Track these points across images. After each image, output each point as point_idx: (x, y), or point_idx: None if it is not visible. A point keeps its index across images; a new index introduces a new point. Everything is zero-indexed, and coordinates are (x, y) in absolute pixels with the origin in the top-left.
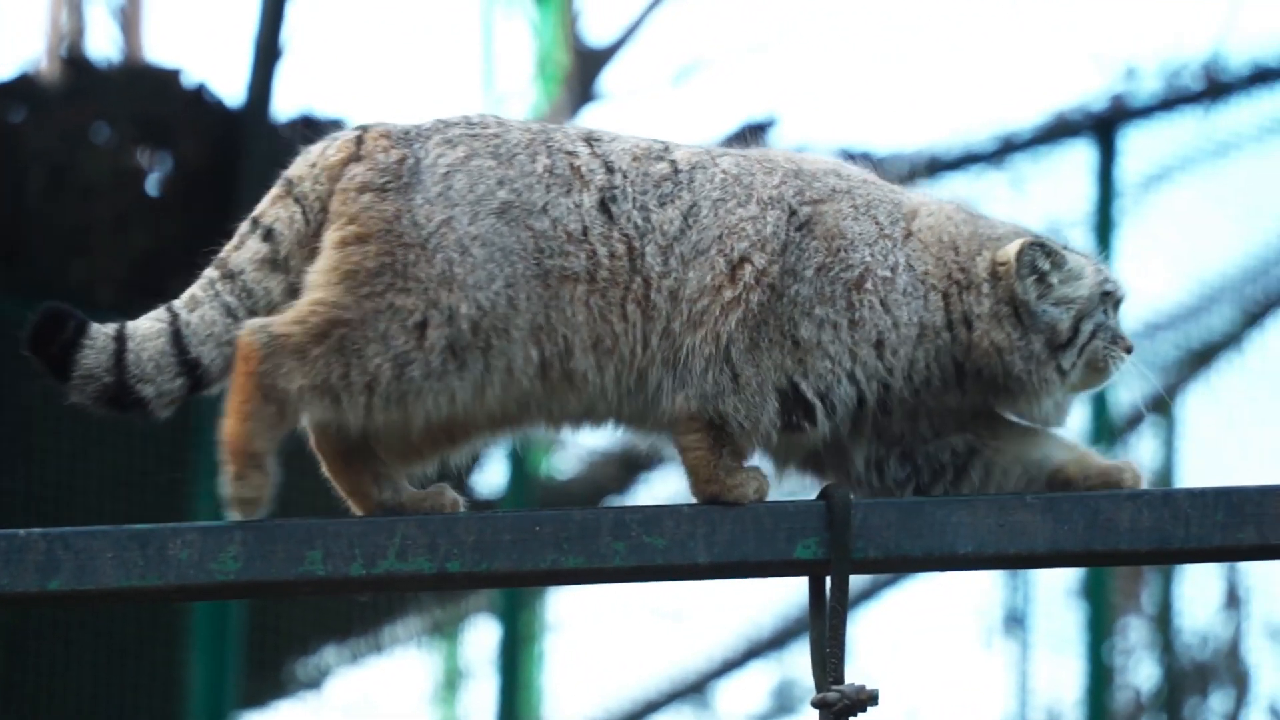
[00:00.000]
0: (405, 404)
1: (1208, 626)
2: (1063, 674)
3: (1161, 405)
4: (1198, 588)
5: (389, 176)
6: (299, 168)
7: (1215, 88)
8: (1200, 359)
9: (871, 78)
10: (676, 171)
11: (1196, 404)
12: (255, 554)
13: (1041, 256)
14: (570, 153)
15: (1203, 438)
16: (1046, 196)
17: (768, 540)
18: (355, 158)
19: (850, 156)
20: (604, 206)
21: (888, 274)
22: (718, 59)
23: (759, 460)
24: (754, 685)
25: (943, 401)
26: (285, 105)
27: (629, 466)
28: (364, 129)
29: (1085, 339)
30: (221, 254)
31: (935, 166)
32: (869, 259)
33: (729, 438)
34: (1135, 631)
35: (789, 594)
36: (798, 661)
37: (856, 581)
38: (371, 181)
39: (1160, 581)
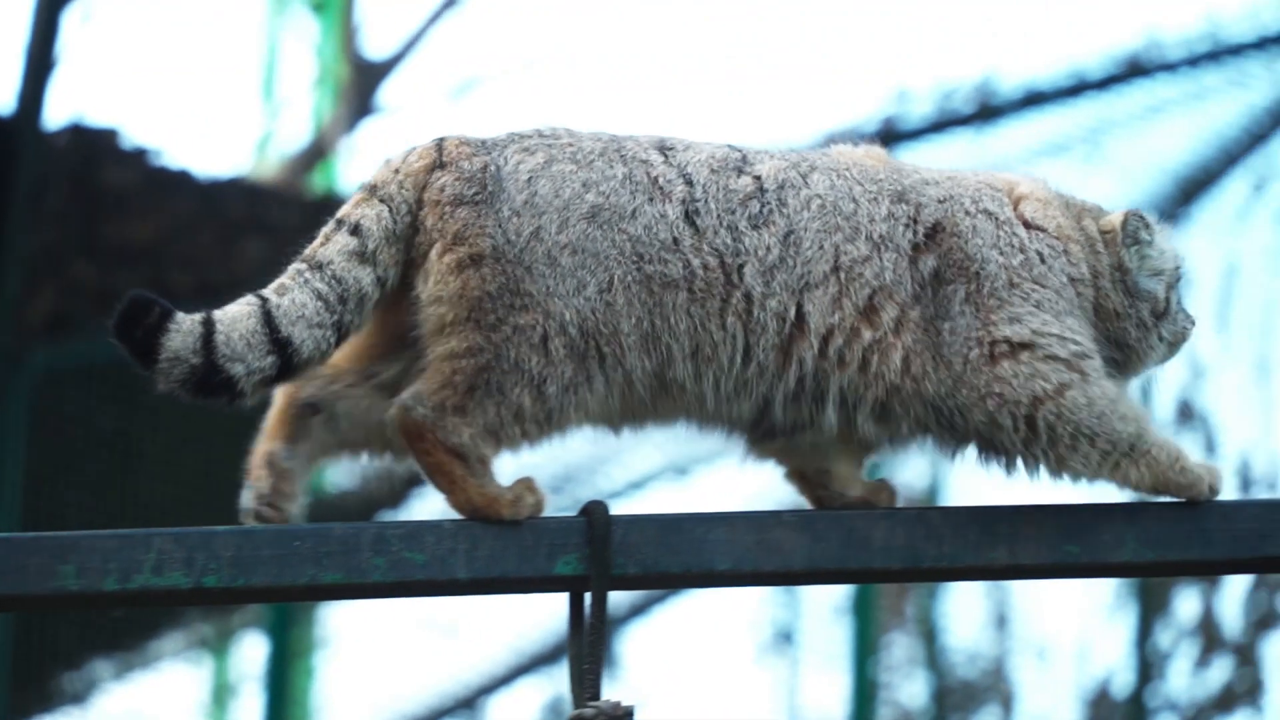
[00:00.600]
0: (553, 422)
1: (975, 644)
2: (830, 690)
3: None
4: (965, 605)
5: (476, 186)
6: (381, 175)
7: (986, 111)
8: None
9: (647, 95)
10: (763, 190)
11: None
12: (7, 568)
13: (1143, 227)
14: (645, 161)
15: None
16: None
17: (528, 556)
18: (439, 164)
19: None
20: (689, 219)
21: (1021, 257)
22: (495, 74)
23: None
24: (526, 701)
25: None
26: (57, 115)
27: (403, 481)
28: (441, 138)
29: (1175, 309)
30: (305, 252)
31: None
32: (1000, 258)
33: (1122, 440)
34: (902, 648)
35: (561, 610)
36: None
37: (629, 598)
38: (462, 194)
39: (927, 599)
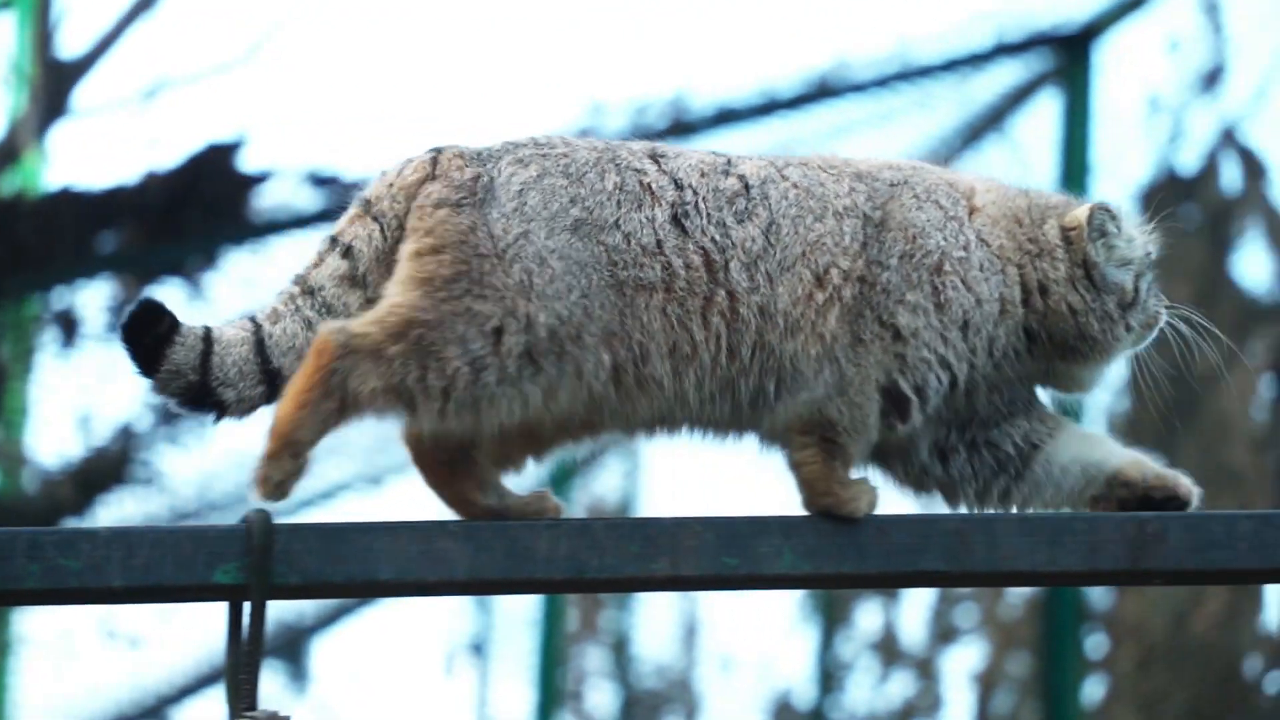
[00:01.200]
0: (478, 409)
1: (663, 655)
2: (518, 700)
3: None
4: (655, 617)
5: (464, 193)
6: (376, 188)
7: (679, 126)
8: None
9: (342, 102)
10: (748, 188)
11: None
12: None
13: (1108, 219)
14: (638, 170)
15: (666, 469)
16: None
17: (186, 565)
18: (431, 177)
19: (319, 180)
20: (676, 221)
21: (962, 254)
22: (189, 76)
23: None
24: (211, 711)
25: (1014, 371)
26: None
27: (86, 487)
28: (439, 150)
29: (1144, 297)
30: (301, 271)
31: None
32: (942, 243)
33: (839, 448)
34: (591, 659)
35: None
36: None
37: (318, 607)
38: (447, 198)
39: (618, 611)
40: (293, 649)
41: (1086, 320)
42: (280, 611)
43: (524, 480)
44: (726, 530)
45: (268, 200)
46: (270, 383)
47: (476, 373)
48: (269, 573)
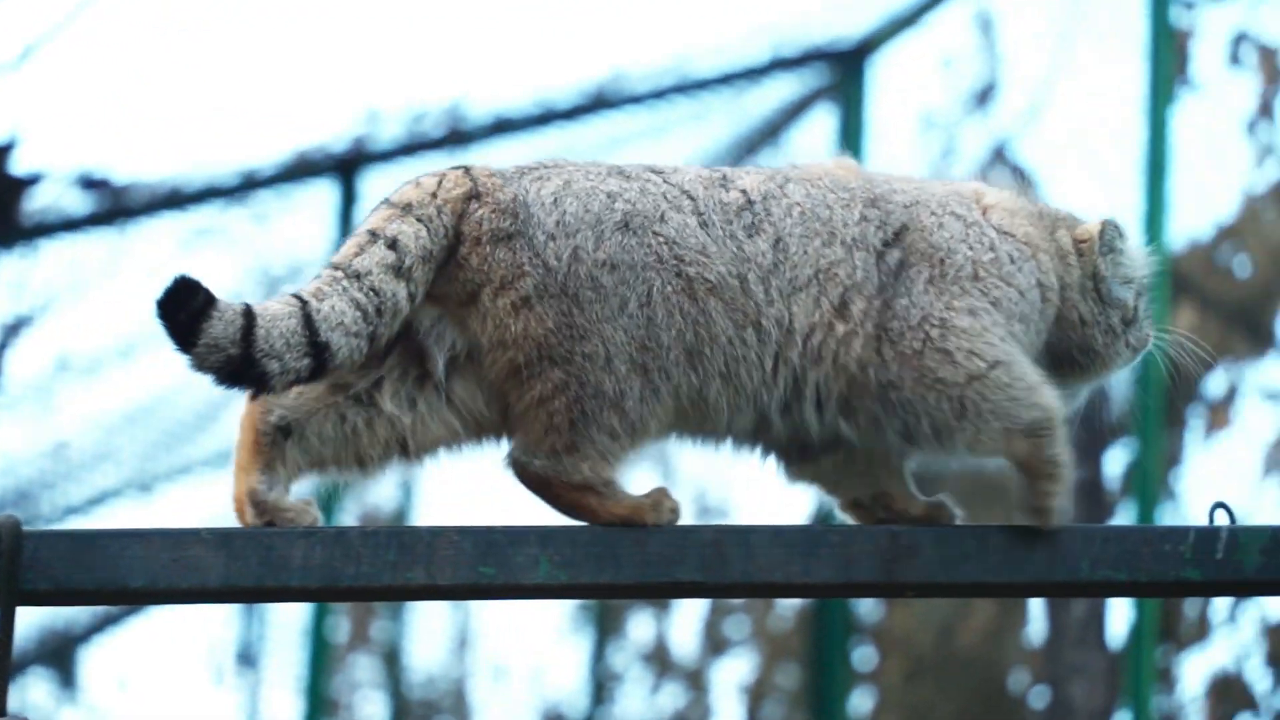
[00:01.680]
0: (637, 434)
1: (435, 665)
2: (289, 709)
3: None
4: (427, 627)
5: (510, 218)
6: (415, 195)
7: (456, 135)
8: None
9: (116, 103)
10: (750, 202)
11: None
12: None
13: (1117, 236)
14: (648, 179)
15: (444, 477)
16: (289, 234)
17: None
18: (475, 194)
19: (90, 183)
20: (705, 229)
21: (990, 254)
22: (51, 36)
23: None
24: None
25: None
26: None
27: None
28: (466, 167)
29: (1141, 317)
30: (336, 259)
31: (177, 198)
32: (970, 252)
33: (1050, 422)
34: (363, 669)
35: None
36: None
37: (89, 614)
38: (499, 228)
39: (390, 620)
40: (62, 656)
41: (1092, 333)
42: (50, 618)
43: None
44: (483, 539)
45: (38, 203)
46: (316, 355)
47: (619, 407)
48: (17, 579)
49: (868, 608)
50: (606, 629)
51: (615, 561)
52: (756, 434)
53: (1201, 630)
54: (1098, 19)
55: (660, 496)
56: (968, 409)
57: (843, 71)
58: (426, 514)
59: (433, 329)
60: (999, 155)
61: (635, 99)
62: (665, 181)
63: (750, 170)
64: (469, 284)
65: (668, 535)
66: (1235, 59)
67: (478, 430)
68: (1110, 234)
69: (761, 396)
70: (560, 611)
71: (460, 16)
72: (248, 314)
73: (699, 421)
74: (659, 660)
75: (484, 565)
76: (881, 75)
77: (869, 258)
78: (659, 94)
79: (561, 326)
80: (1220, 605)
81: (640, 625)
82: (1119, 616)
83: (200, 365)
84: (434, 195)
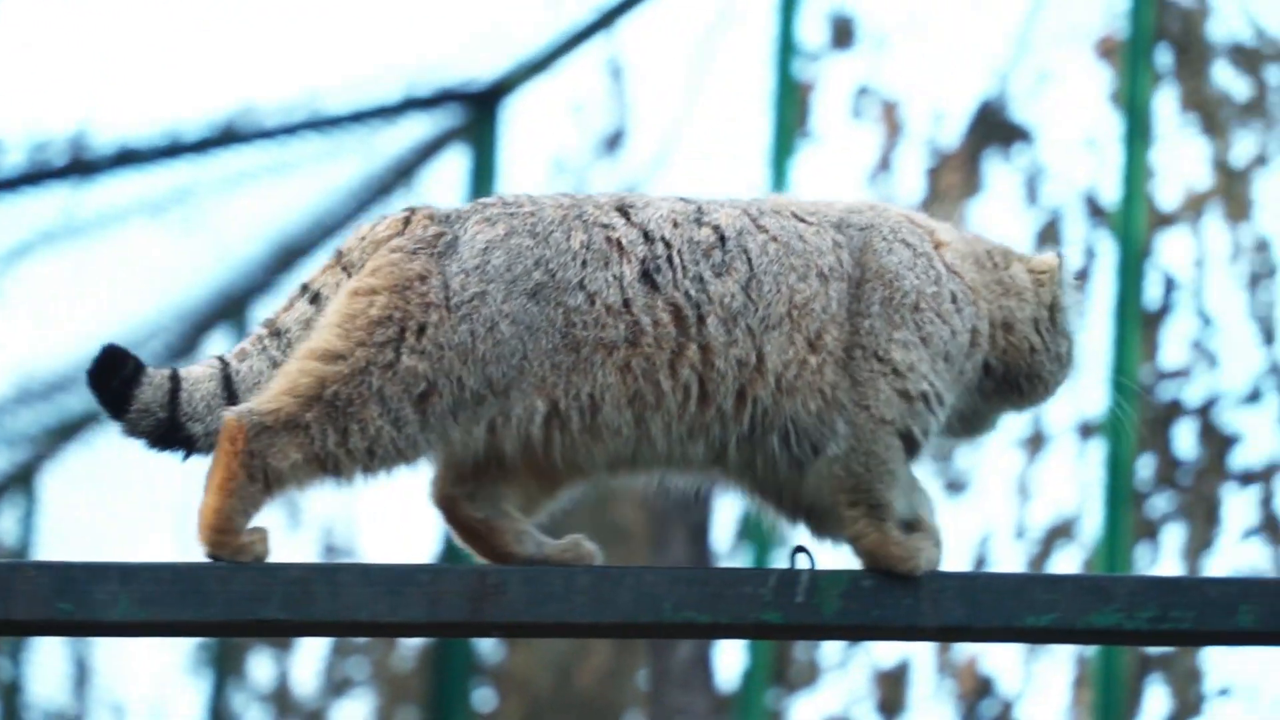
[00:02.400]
0: (404, 458)
1: (55, 701)
2: None
3: (23, 478)
4: (46, 663)
5: (423, 244)
6: (350, 242)
7: (80, 165)
8: (64, 432)
9: None
10: (723, 239)
11: (58, 478)
12: None
13: (1069, 268)
14: (606, 225)
15: (64, 512)
16: None
17: None
18: (400, 233)
19: None
20: (647, 276)
21: (935, 289)
22: None
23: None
24: None
25: (962, 406)
26: None
27: None
28: (412, 209)
29: (1075, 348)
30: (271, 315)
31: None
32: (916, 282)
33: (883, 508)
34: None
35: None
36: None
37: None
38: (404, 246)
39: (7, 656)
40: None
41: (1041, 360)
42: None
43: None
44: (62, 575)
45: None
46: None
47: (399, 428)
48: None
49: (489, 648)
50: (226, 668)
51: (199, 599)
52: (717, 461)
53: (812, 674)
54: (724, 69)
55: (256, 539)
56: (861, 441)
57: (476, 113)
58: (55, 546)
59: None
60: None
61: (265, 133)
62: (629, 223)
63: (725, 204)
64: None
65: (254, 572)
66: (857, 112)
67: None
68: (1067, 265)
69: (714, 428)
70: (179, 649)
71: (85, 40)
72: (174, 377)
73: (624, 449)
74: (279, 701)
75: (61, 601)
76: (514, 118)
77: (844, 286)
78: (290, 129)
79: (391, 323)
80: (831, 650)
81: (261, 664)
82: (730, 659)
83: (133, 430)
84: (363, 239)
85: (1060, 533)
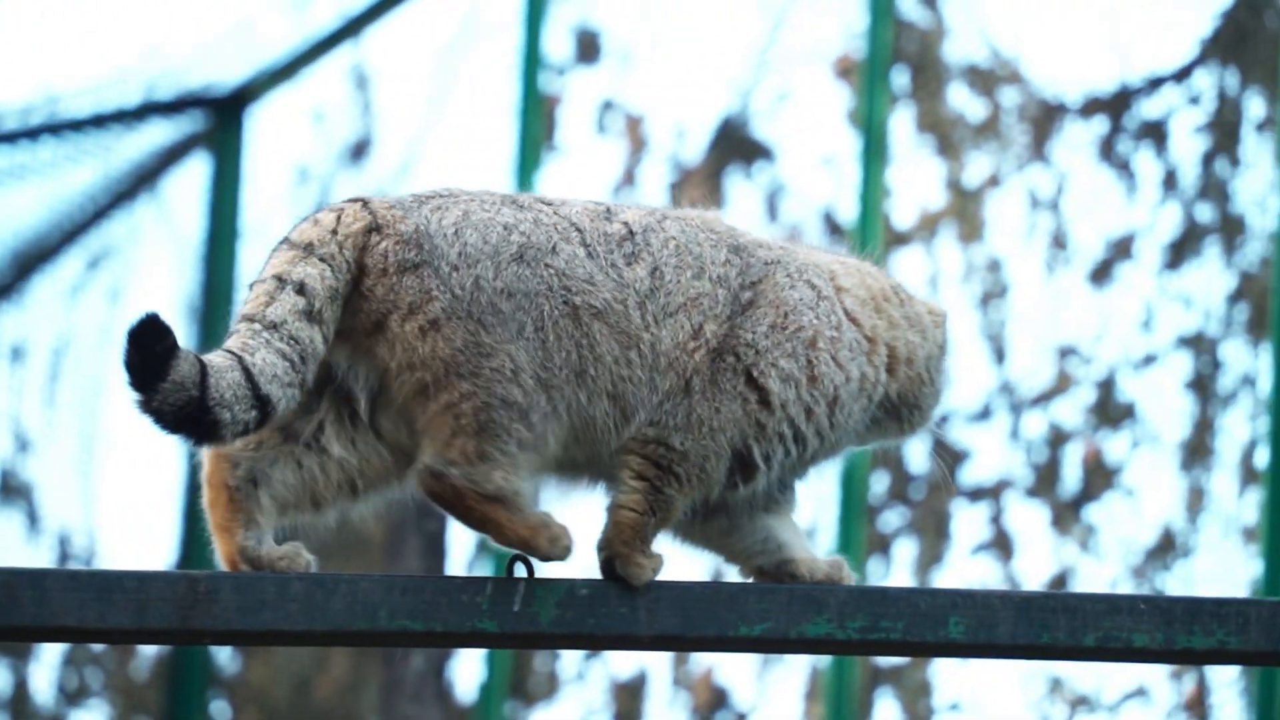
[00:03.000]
0: (539, 450)
1: None
2: None
3: None
4: None
5: (414, 249)
6: (314, 233)
7: None
8: None
9: None
10: (632, 233)
11: None
12: None
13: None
14: (540, 210)
15: None
16: None
17: None
18: (375, 227)
19: None
20: (591, 259)
21: (834, 333)
22: None
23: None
24: None
25: (848, 441)
26: None
27: None
28: (363, 199)
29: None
30: (247, 311)
31: None
32: (815, 321)
33: (665, 500)
34: None
35: None
36: None
37: None
38: (404, 260)
39: None
40: None
41: (928, 395)
42: None
43: None
44: None
45: None
46: (261, 408)
47: (526, 418)
48: None
49: (226, 659)
50: None
51: None
52: None
53: (551, 686)
54: (470, 80)
55: (559, 530)
56: (692, 427)
57: (219, 119)
58: None
59: (350, 370)
60: None
61: (3, 137)
62: (555, 213)
63: (631, 206)
64: (375, 313)
65: None
66: (602, 126)
67: (409, 464)
68: (946, 312)
69: (633, 416)
70: None
71: None
72: (200, 361)
73: (589, 447)
74: (16, 709)
75: None
76: (259, 125)
77: (728, 294)
78: (28, 133)
79: (469, 345)
80: (570, 662)
81: None
82: (469, 671)
83: (161, 402)
84: (334, 232)
85: None
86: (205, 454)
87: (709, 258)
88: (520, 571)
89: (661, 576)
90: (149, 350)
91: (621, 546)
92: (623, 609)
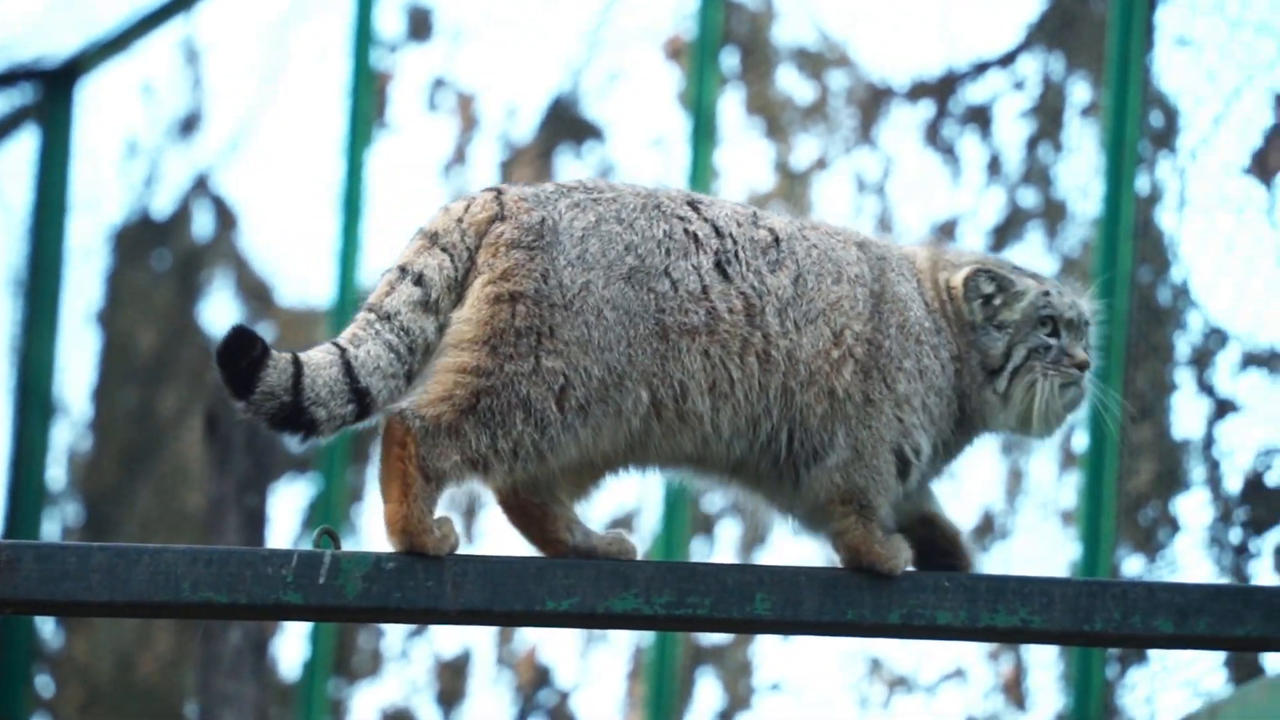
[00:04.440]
0: (544, 459)
1: None
2: None
3: None
4: None
5: (534, 235)
6: (442, 223)
7: None
8: None
9: None
10: (777, 241)
11: None
12: None
13: (986, 280)
14: (682, 217)
15: None
16: None
17: None
18: (500, 216)
19: None
20: (720, 268)
21: (928, 323)
22: None
23: None
24: None
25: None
26: None
27: None
28: (499, 190)
29: (1019, 362)
30: (371, 300)
31: None
32: (919, 314)
33: (873, 510)
34: None
35: None
36: None
37: None
38: (519, 239)
39: None
40: None
41: (963, 379)
42: None
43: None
44: None
45: None
46: (359, 401)
47: (541, 430)
48: None
49: (50, 633)
50: None
51: None
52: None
53: (375, 664)
54: (302, 56)
55: (448, 530)
56: (862, 455)
57: (48, 92)
58: None
59: None
60: (201, 185)
61: None
62: (700, 217)
63: (776, 214)
64: (466, 281)
65: None
66: (433, 104)
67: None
68: (975, 280)
69: (764, 421)
70: None
71: None
72: (296, 362)
73: (695, 437)
74: None
75: None
76: (88, 98)
77: (865, 291)
78: None
79: (532, 332)
80: (394, 640)
81: None
82: (292, 648)
83: (255, 412)
84: (459, 221)
85: (620, 524)
86: (490, 489)
87: (843, 259)
88: (327, 546)
89: (470, 550)
90: (234, 367)
91: (866, 558)
92: (429, 583)
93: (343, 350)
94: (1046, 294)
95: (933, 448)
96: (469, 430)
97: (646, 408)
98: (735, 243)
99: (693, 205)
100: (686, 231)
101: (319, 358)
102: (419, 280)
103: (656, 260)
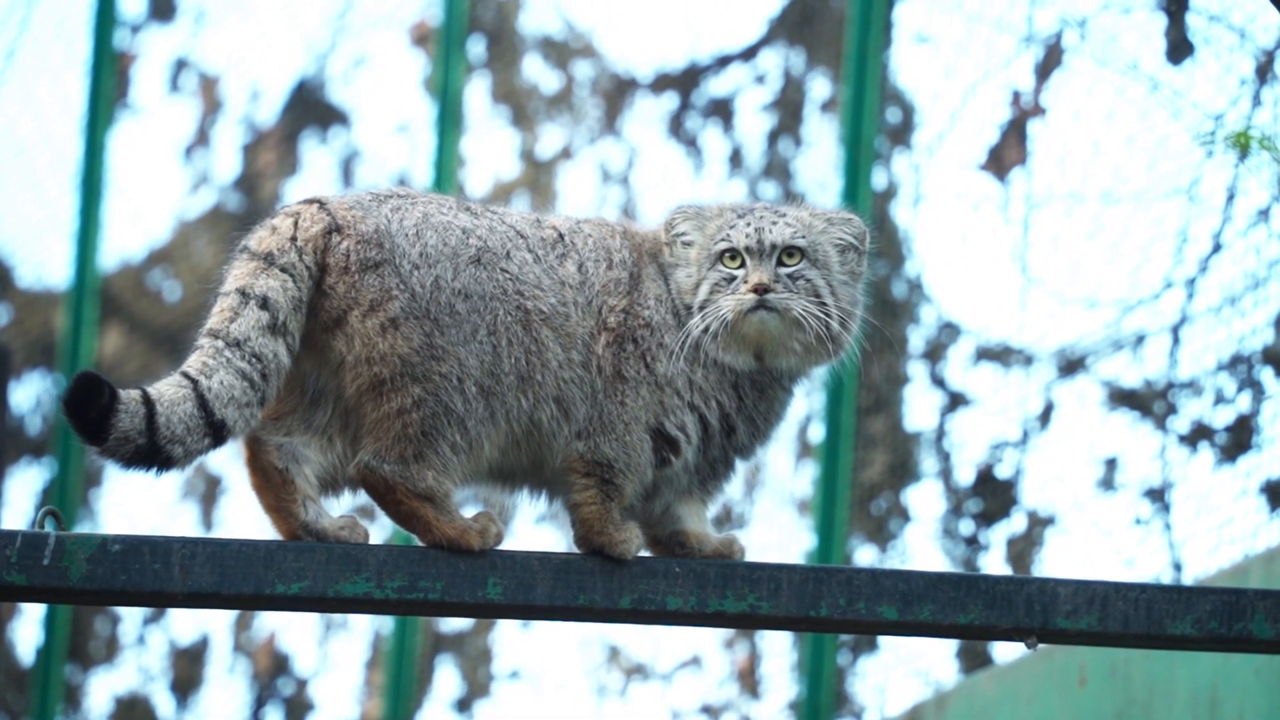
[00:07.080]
0: (473, 456)
1: None
2: None
3: None
4: None
5: (375, 248)
6: (274, 242)
7: None
8: None
9: None
10: (561, 237)
11: None
12: None
13: (680, 219)
14: (491, 215)
15: None
16: None
17: None
18: (335, 228)
19: None
20: (537, 263)
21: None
22: None
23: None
24: None
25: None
26: None
27: None
28: (320, 200)
29: (705, 296)
30: (212, 325)
31: None
32: (663, 289)
33: (616, 489)
34: None
35: None
36: None
37: None
38: (366, 258)
39: None
40: None
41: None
42: None
43: None
44: None
45: None
46: (215, 434)
47: (464, 426)
48: None
49: None
50: None
51: None
52: None
53: (111, 651)
54: (42, 32)
55: (486, 522)
56: (613, 429)
57: None
58: None
59: (317, 377)
60: None
61: None
62: (503, 221)
63: (552, 214)
64: (335, 310)
65: None
66: (176, 85)
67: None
68: (672, 219)
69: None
70: None
71: None
72: (147, 401)
73: (534, 451)
74: None
75: None
76: None
77: (625, 274)
78: None
79: (424, 346)
80: (131, 626)
81: None
82: (28, 633)
83: (111, 456)
84: (293, 239)
85: (361, 512)
86: (242, 442)
87: (613, 247)
88: (53, 527)
89: (194, 533)
90: (84, 416)
91: (597, 536)
92: (155, 565)
93: (195, 382)
94: (730, 226)
95: (715, 422)
96: (429, 453)
97: (526, 415)
98: (533, 242)
99: (489, 211)
100: (505, 224)
101: (171, 393)
102: (264, 304)
103: (496, 242)
